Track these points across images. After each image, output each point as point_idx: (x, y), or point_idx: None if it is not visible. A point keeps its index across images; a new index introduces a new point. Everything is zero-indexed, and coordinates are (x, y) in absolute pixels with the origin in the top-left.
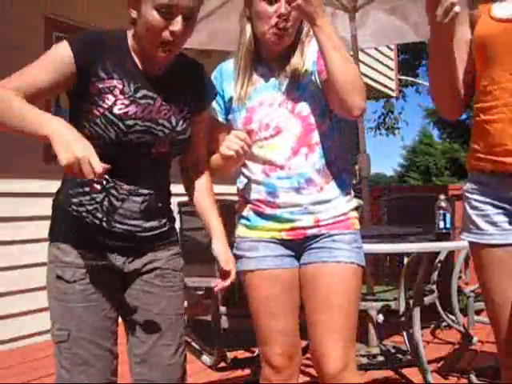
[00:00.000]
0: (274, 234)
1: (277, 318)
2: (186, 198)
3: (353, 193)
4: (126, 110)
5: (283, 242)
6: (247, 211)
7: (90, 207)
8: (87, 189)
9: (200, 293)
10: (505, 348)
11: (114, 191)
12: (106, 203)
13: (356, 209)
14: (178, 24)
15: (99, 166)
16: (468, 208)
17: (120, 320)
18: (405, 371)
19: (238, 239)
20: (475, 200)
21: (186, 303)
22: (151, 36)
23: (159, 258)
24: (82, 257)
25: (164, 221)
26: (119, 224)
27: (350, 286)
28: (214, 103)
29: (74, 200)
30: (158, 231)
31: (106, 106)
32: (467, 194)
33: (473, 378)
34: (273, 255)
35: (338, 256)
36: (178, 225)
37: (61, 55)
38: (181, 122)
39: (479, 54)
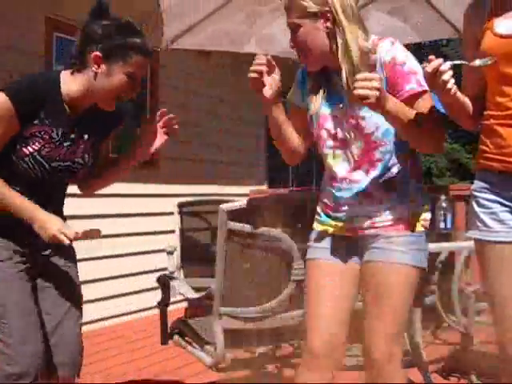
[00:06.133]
0: (337, 230)
1: (324, 306)
2: (186, 198)
3: (422, 199)
4: (52, 153)
5: (344, 238)
6: (319, 208)
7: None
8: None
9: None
10: (506, 347)
11: None
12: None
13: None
14: (139, 86)
15: (71, 234)
16: (475, 206)
17: (126, 320)
18: (404, 371)
19: (312, 231)
20: (483, 198)
21: (186, 303)
22: (112, 93)
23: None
24: (7, 243)
25: None
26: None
27: (401, 285)
28: (297, 90)
29: None
30: None
31: (35, 147)
32: (475, 193)
33: (473, 378)
34: (333, 248)
35: (391, 257)
36: (178, 225)
37: (4, 112)
38: (91, 156)
39: (488, 69)
